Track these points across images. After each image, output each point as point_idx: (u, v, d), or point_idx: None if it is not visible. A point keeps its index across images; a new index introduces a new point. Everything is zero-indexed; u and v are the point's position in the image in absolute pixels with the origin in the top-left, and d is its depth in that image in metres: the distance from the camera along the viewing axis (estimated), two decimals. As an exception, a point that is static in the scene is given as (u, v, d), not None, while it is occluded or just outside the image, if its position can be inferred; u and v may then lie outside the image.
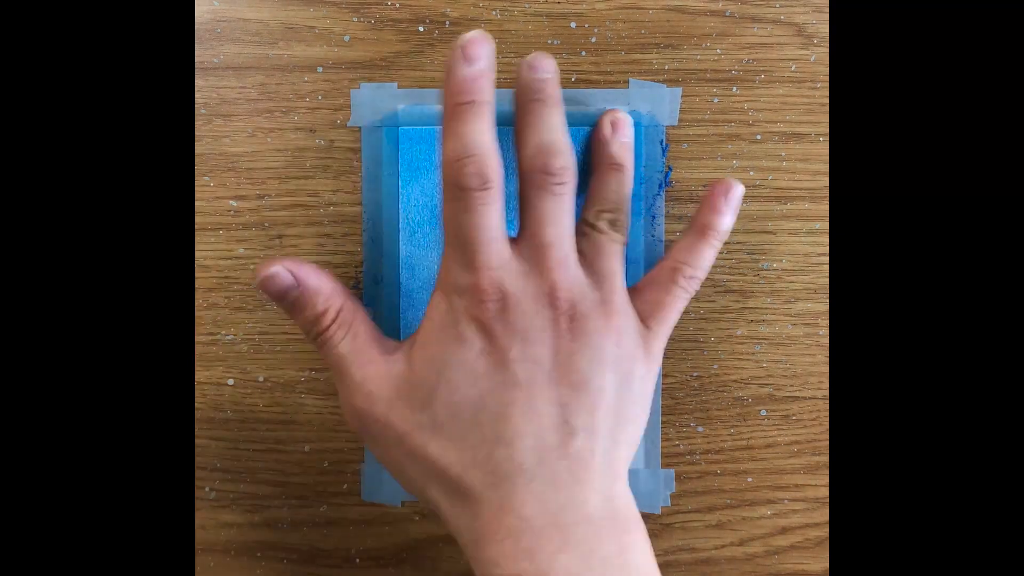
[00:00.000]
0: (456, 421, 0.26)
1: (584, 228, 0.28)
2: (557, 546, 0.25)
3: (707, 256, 0.29)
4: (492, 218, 0.26)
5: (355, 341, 0.27)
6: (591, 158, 0.30)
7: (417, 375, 0.26)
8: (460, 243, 0.26)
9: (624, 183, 0.29)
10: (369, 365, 0.27)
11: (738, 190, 0.29)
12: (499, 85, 0.31)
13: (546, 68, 0.27)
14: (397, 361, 0.27)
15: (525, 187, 0.27)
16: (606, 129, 0.29)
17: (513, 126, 0.28)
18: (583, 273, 0.27)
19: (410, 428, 0.26)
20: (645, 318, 0.28)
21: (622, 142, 0.29)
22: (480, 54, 0.26)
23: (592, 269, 0.27)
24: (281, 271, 0.27)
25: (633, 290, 0.29)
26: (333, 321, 0.27)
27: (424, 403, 0.26)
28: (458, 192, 0.26)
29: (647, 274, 0.29)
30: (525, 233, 0.27)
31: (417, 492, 0.27)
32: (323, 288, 0.27)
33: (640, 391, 0.27)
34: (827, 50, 0.31)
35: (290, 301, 0.27)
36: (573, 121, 0.31)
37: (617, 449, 0.27)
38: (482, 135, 0.26)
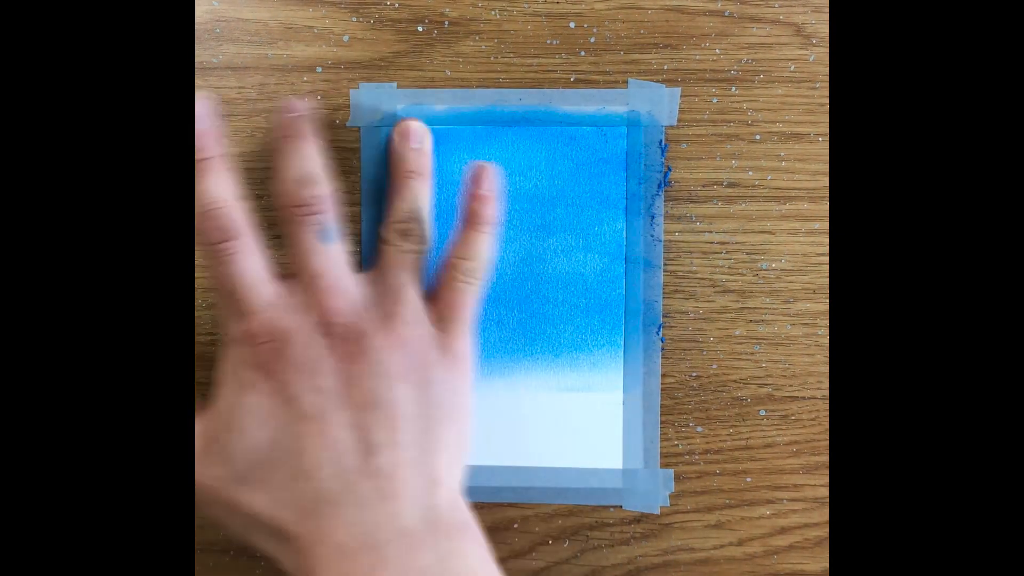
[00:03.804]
0: (256, 467, 0.26)
1: (377, 242, 0.29)
2: (370, 567, 0.25)
3: (479, 244, 0.29)
4: (246, 264, 0.27)
5: None
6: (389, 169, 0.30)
7: (213, 431, 0.27)
8: (223, 295, 0.27)
9: (417, 190, 0.29)
10: None
11: (489, 170, 0.29)
12: (499, 85, 0.31)
13: (294, 108, 0.28)
14: (200, 421, 0.27)
15: (283, 223, 0.28)
16: (395, 138, 0.30)
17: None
18: (366, 291, 0.28)
19: (219, 484, 0.26)
20: (440, 320, 0.29)
21: (413, 148, 0.29)
22: (200, 115, 0.27)
23: (379, 285, 0.28)
24: None
25: (429, 297, 0.29)
26: None
27: (224, 457, 0.26)
28: (208, 248, 0.27)
29: (434, 276, 0.30)
30: (295, 267, 0.28)
31: (246, 543, 0.27)
32: None
33: (444, 393, 0.27)
34: (827, 50, 0.31)
35: None
36: (573, 121, 0.31)
37: (433, 456, 0.27)
38: (219, 188, 0.27)
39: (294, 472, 0.26)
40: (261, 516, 0.26)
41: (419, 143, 0.29)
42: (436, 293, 0.29)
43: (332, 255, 0.28)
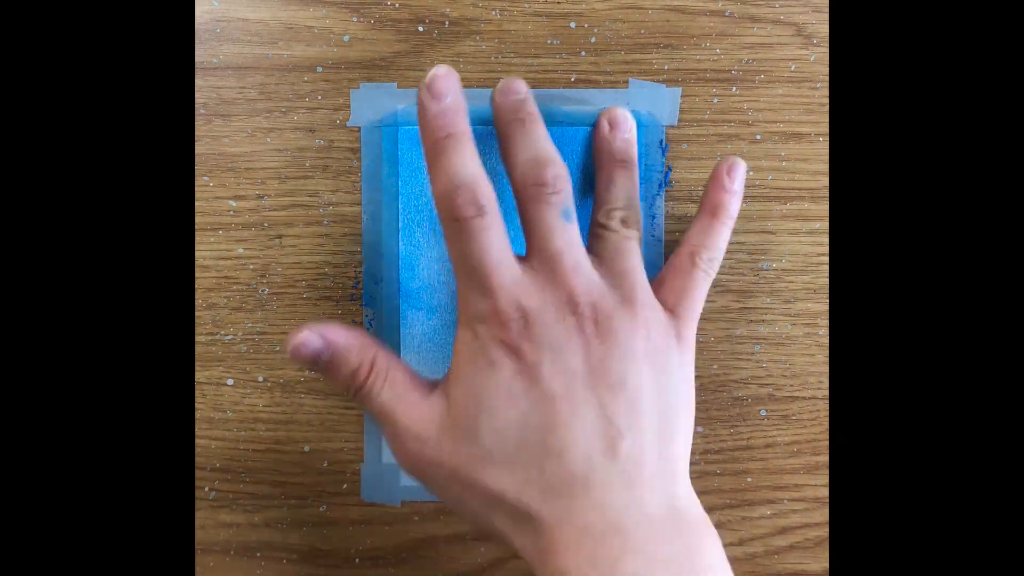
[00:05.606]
0: (504, 446, 0.26)
1: (596, 230, 0.28)
2: (619, 550, 0.24)
3: (721, 236, 0.29)
4: (495, 241, 0.26)
5: (394, 388, 0.27)
6: (593, 158, 0.30)
7: (458, 410, 0.26)
8: (469, 271, 0.26)
9: (631, 178, 0.29)
10: (412, 409, 0.27)
11: (741, 166, 0.29)
12: (499, 85, 0.31)
13: (518, 90, 0.28)
14: (437, 400, 0.27)
15: (523, 203, 0.27)
16: (604, 127, 0.30)
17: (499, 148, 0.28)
18: (600, 275, 0.27)
19: (461, 462, 0.26)
20: (671, 307, 0.28)
21: (624, 137, 0.29)
22: (447, 89, 0.26)
23: (609, 269, 0.28)
24: (309, 336, 0.27)
25: (655, 282, 0.29)
26: (369, 373, 0.27)
27: (470, 435, 0.26)
28: (456, 224, 0.26)
29: (666, 263, 0.30)
30: (533, 247, 0.27)
31: (483, 526, 0.27)
32: (353, 344, 0.27)
33: (679, 380, 0.27)
34: (827, 50, 0.31)
35: (324, 363, 0.27)
36: (573, 121, 0.31)
37: (670, 446, 0.26)
38: (467, 165, 0.26)
39: (542, 452, 0.25)
40: (506, 495, 0.25)
41: (629, 132, 0.29)
42: (666, 279, 0.29)
43: (573, 235, 0.27)
